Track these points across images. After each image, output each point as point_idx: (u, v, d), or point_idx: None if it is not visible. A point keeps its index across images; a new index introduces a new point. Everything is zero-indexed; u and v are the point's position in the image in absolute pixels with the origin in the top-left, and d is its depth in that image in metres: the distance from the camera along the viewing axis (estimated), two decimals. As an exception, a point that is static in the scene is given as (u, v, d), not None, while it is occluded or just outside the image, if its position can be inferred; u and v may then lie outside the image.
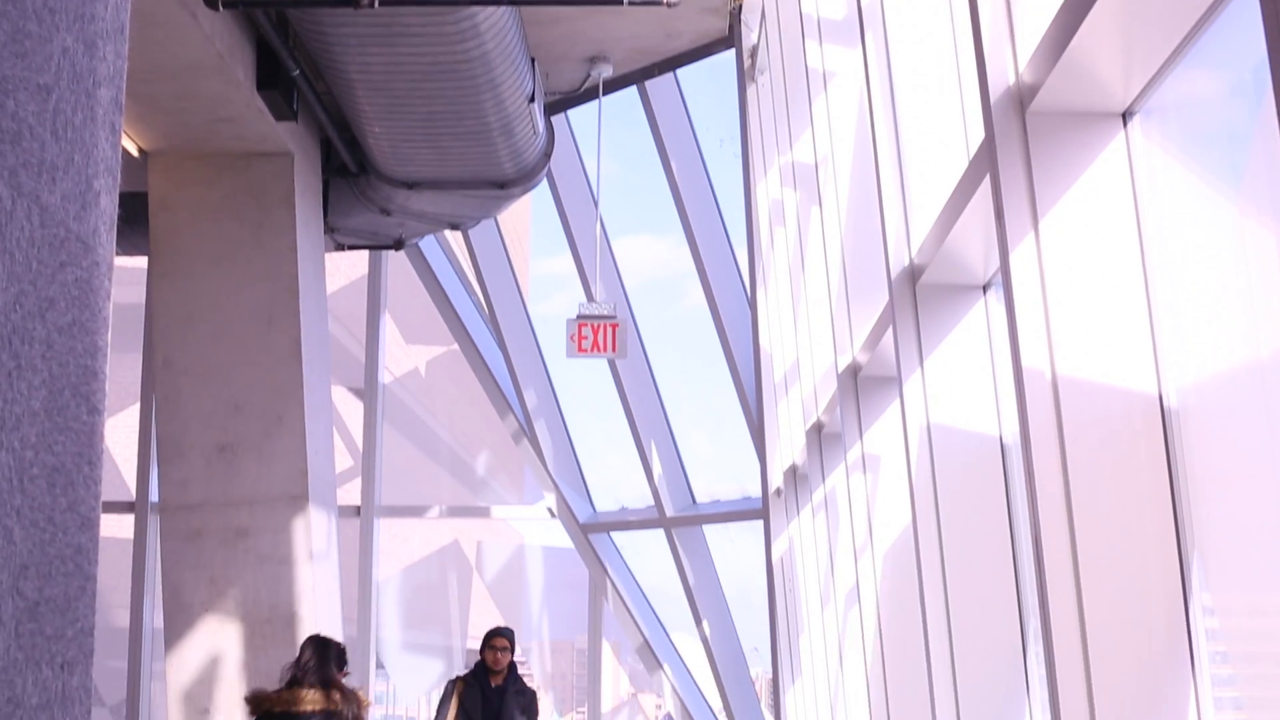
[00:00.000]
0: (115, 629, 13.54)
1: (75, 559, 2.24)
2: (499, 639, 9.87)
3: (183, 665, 10.11)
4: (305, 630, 9.99)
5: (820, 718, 10.01)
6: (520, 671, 9.92)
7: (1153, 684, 3.62)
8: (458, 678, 9.88)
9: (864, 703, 7.64)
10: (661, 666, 13.77)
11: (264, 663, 10.01)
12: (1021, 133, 3.94)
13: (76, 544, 2.24)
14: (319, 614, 10.10)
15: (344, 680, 8.01)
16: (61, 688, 2.20)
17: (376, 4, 8.31)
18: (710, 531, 13.58)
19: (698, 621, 13.34)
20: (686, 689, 13.85)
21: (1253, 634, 3.62)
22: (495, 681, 9.76)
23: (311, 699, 7.60)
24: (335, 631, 10.61)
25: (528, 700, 9.83)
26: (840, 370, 7.40)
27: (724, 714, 13.60)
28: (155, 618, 12.94)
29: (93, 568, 2.30)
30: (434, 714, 9.77)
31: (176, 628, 10.17)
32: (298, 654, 7.96)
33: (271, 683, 9.84)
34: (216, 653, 10.06)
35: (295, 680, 7.73)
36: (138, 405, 13.89)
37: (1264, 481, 3.40)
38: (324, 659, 7.81)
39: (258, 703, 7.72)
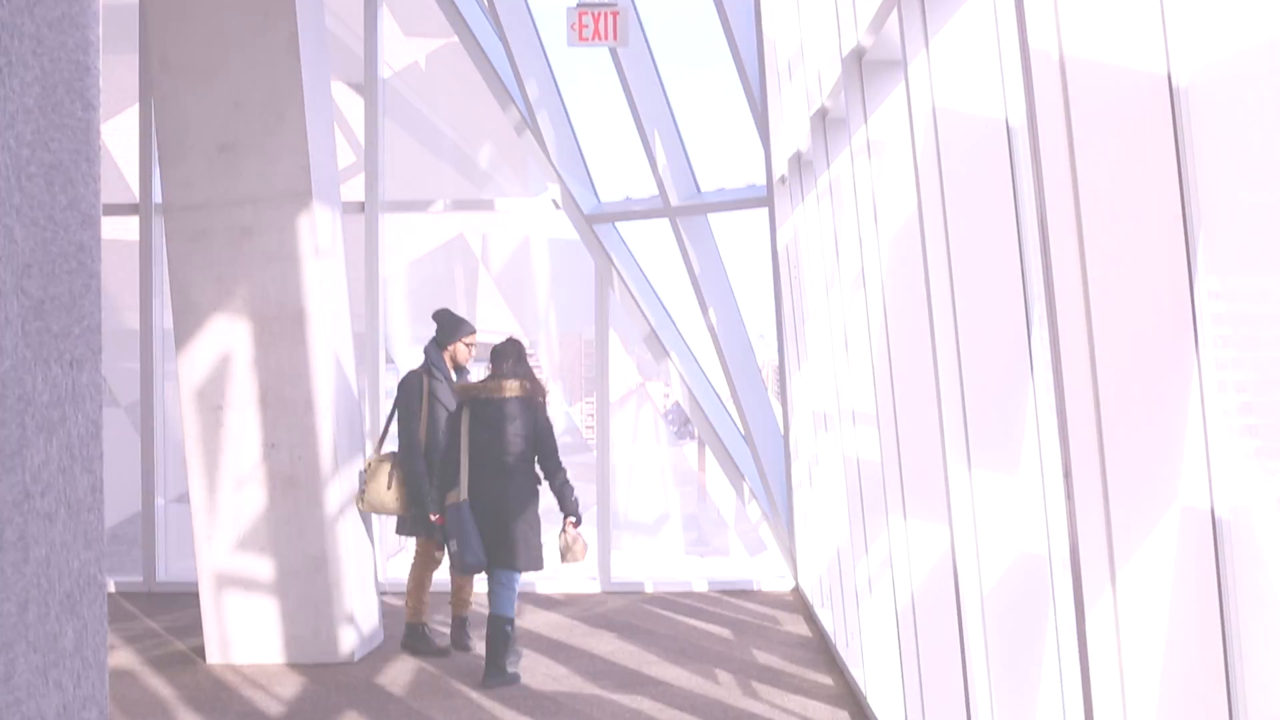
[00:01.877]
0: (126, 330, 13.64)
1: (78, 256, 2.24)
2: (473, 335, 10.60)
3: (194, 364, 10.21)
4: (313, 326, 10.06)
5: (825, 402, 10.15)
6: (530, 363, 10.11)
7: (1157, 366, 3.65)
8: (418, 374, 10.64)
9: (869, 386, 7.74)
10: (668, 355, 13.89)
11: (273, 359, 10.10)
12: None
13: (79, 241, 2.24)
14: (326, 310, 10.16)
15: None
16: (71, 385, 2.21)
17: None
18: (715, 220, 13.57)
19: (704, 310, 13.41)
20: (694, 377, 14.00)
21: (1257, 319, 3.64)
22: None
23: (510, 387, 9.75)
24: (344, 327, 10.69)
25: None
26: (844, 54, 7.30)
27: (731, 400, 13.77)
28: (165, 318, 13.02)
29: (96, 265, 2.29)
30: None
31: (186, 327, 10.24)
32: (493, 355, 9.99)
33: (282, 377, 10.02)
34: (226, 351, 10.15)
35: (496, 374, 9.84)
36: (136, 107, 13.77)
37: (1271, 166, 3.38)
38: (520, 359, 9.90)
39: (464, 391, 9.86)
